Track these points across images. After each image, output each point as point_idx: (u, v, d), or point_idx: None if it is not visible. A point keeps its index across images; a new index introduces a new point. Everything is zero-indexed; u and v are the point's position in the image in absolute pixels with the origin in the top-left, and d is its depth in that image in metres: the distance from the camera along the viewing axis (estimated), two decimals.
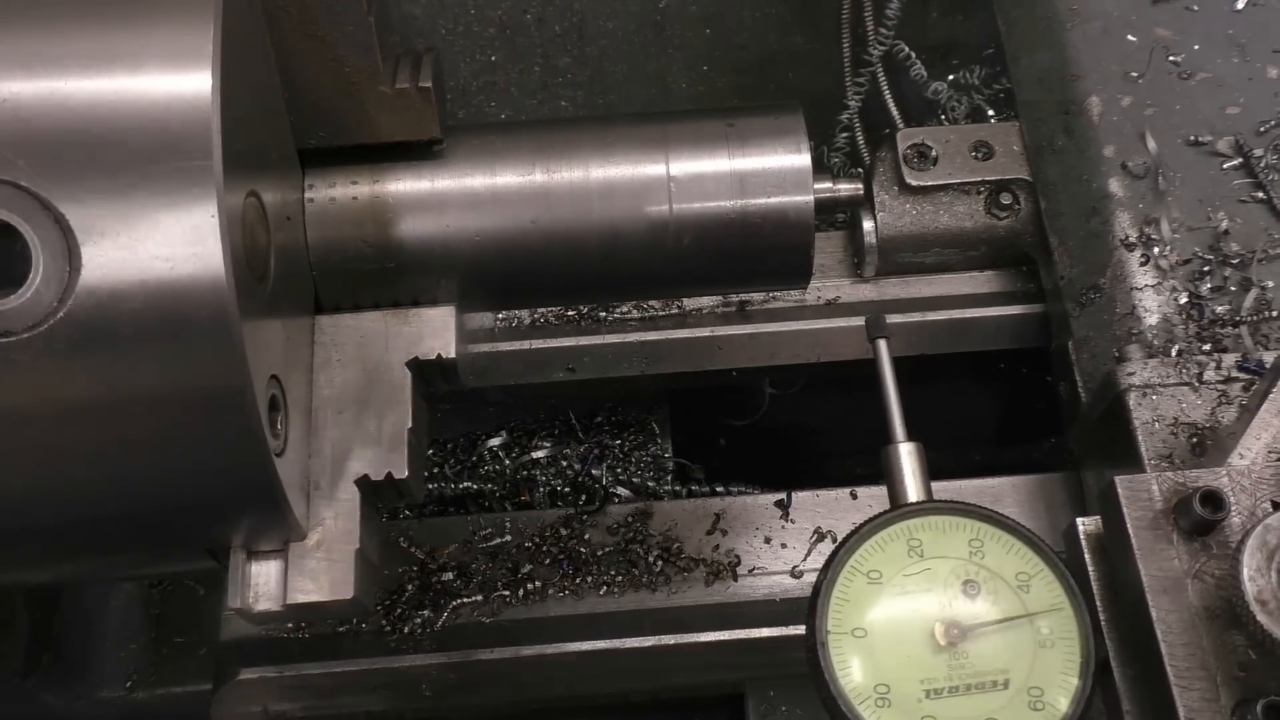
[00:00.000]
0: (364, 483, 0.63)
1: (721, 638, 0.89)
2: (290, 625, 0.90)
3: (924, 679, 0.59)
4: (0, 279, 0.50)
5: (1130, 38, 0.93)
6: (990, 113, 1.09)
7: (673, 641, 0.89)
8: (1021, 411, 1.10)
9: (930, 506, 0.64)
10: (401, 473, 0.63)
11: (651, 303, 1.02)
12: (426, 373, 0.68)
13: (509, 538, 0.95)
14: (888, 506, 0.65)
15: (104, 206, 0.49)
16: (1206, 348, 0.89)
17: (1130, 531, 0.63)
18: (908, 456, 0.66)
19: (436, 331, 0.67)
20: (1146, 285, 0.93)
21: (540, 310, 1.02)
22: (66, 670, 0.98)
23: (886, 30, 0.99)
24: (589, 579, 0.93)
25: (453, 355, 0.67)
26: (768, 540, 0.94)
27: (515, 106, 1.07)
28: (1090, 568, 0.67)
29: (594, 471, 1.04)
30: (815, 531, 0.94)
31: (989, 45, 1.08)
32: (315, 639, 0.91)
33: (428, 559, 0.93)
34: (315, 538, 0.62)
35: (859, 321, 0.93)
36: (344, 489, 0.63)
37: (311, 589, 0.61)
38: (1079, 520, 0.69)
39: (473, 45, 1.03)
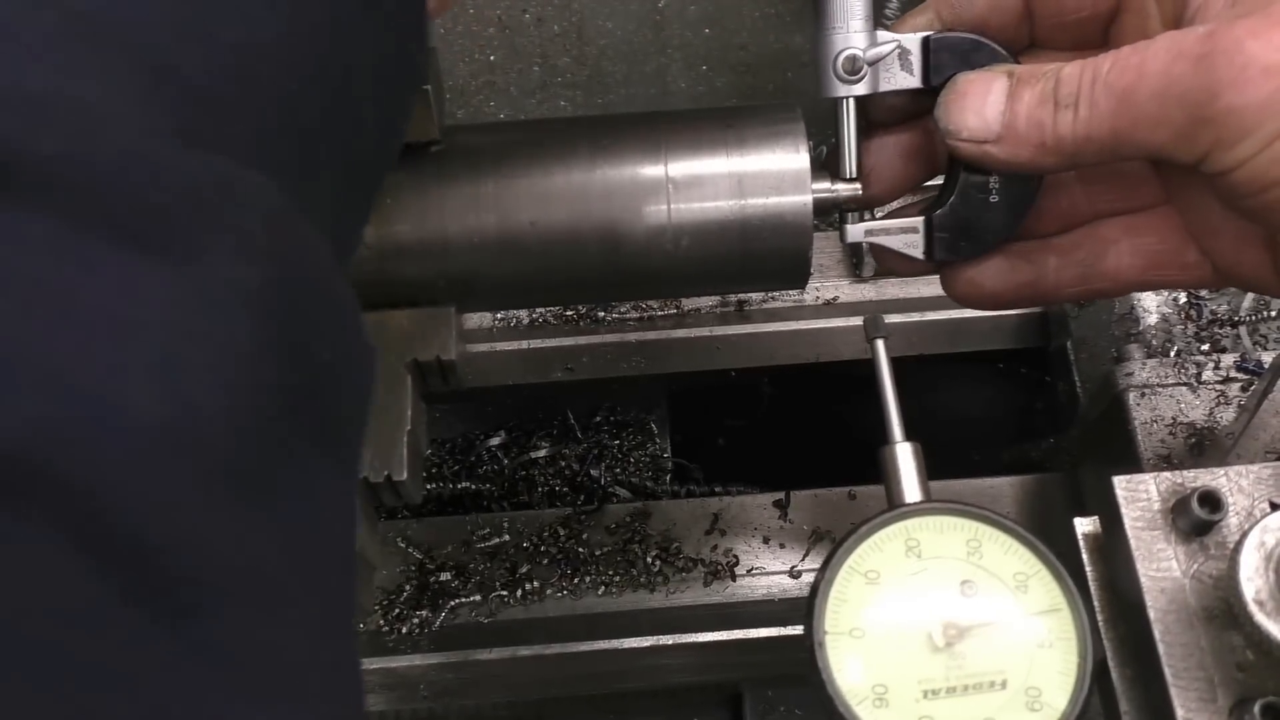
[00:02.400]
0: (362, 484, 0.63)
1: (720, 638, 0.89)
2: None
3: (922, 679, 0.59)
4: None
5: None
6: None
7: (671, 641, 0.89)
8: (1020, 411, 1.10)
9: (928, 507, 0.64)
10: (400, 474, 0.63)
11: (650, 302, 1.02)
12: (426, 374, 0.68)
13: (507, 538, 0.95)
14: (885, 506, 0.65)
15: None
16: (1205, 348, 0.90)
17: (1128, 532, 0.63)
18: (906, 456, 0.66)
19: (435, 332, 0.67)
20: None
21: (538, 310, 1.02)
22: None
23: (886, 28, 0.99)
24: (587, 579, 0.93)
25: (452, 356, 0.67)
26: (766, 540, 0.94)
27: (514, 106, 1.06)
28: (1088, 568, 0.67)
29: (592, 471, 1.04)
30: (813, 531, 0.94)
31: None
32: None
33: (426, 559, 0.93)
34: None
35: (858, 321, 0.94)
36: None
37: None
38: (1077, 520, 0.69)
39: (471, 45, 1.02)
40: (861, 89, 0.64)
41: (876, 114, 0.67)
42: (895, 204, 0.69)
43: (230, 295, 0.34)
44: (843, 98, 0.64)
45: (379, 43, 0.46)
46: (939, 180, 0.66)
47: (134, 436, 0.30)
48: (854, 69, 0.63)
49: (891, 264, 0.68)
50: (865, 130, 0.67)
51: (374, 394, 0.43)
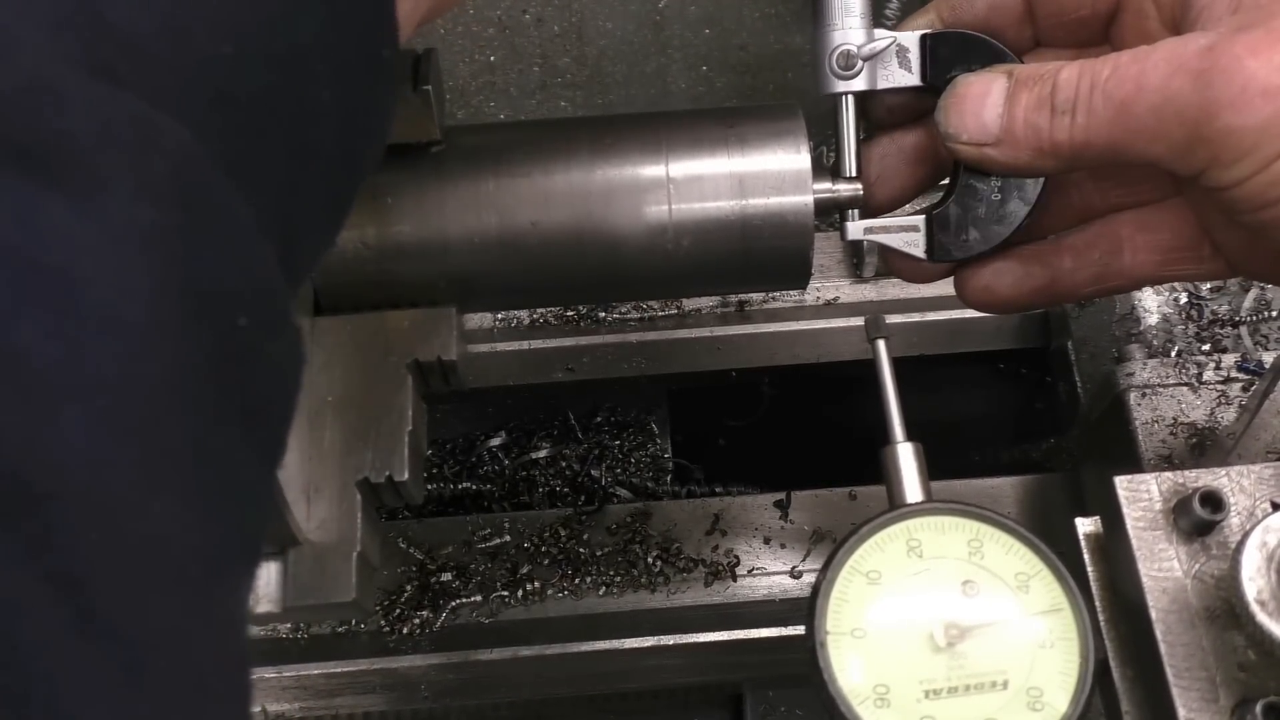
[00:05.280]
0: (364, 485, 0.63)
1: (721, 638, 0.89)
2: (289, 626, 0.90)
3: (923, 679, 0.59)
4: None
5: None
6: None
7: (672, 642, 0.89)
8: (1021, 411, 1.10)
9: (929, 507, 0.64)
10: (401, 475, 0.63)
11: (650, 303, 1.02)
12: (426, 374, 0.68)
13: (508, 538, 0.95)
14: (887, 507, 0.65)
15: None
16: (1206, 348, 0.90)
17: (1129, 532, 0.63)
18: (907, 457, 0.65)
19: (436, 333, 0.67)
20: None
21: (539, 310, 1.02)
22: None
23: (886, 28, 1.00)
24: (588, 579, 0.93)
25: (453, 357, 0.67)
26: (767, 540, 0.94)
27: (514, 107, 1.06)
28: (1089, 568, 0.67)
29: (593, 472, 1.04)
30: (814, 532, 0.94)
31: None
32: (314, 639, 0.91)
33: (427, 559, 0.93)
34: (315, 540, 0.62)
35: (858, 322, 0.93)
36: (344, 491, 0.63)
37: (312, 591, 0.61)
38: (1078, 520, 0.69)
39: (471, 45, 1.02)
40: (858, 84, 0.64)
41: (878, 114, 0.67)
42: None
43: (127, 234, 0.32)
44: (840, 94, 0.64)
45: (334, 27, 0.44)
46: (946, 182, 0.66)
47: (20, 374, 0.28)
48: (848, 64, 0.63)
49: (901, 270, 0.68)
50: (869, 135, 0.67)
51: (300, 381, 0.40)
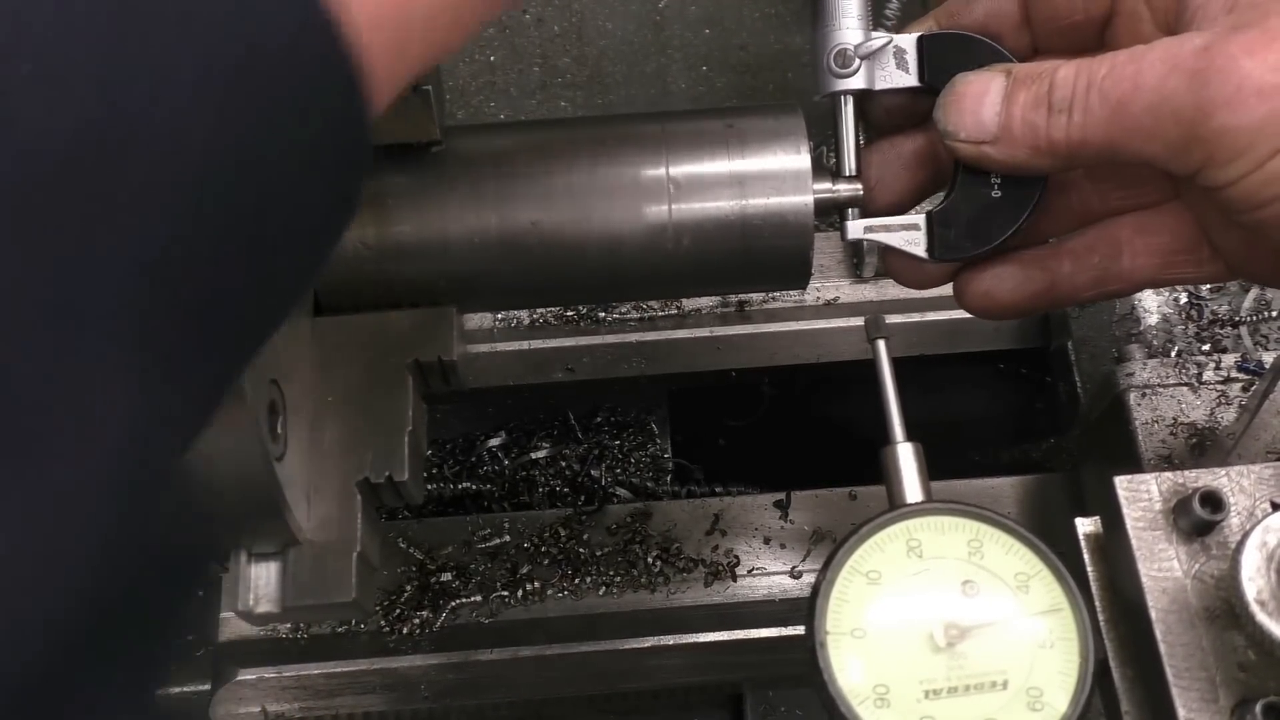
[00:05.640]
0: (364, 485, 0.63)
1: (720, 638, 0.89)
2: (289, 626, 0.90)
3: (923, 679, 0.59)
4: None
5: None
6: None
7: (672, 642, 0.89)
8: (1021, 411, 1.10)
9: (929, 507, 0.64)
10: (401, 475, 0.63)
11: (650, 303, 1.02)
12: (426, 374, 0.68)
13: (508, 538, 0.95)
14: (887, 507, 0.65)
15: None
16: (1206, 348, 0.90)
17: (1129, 532, 0.63)
18: (907, 457, 0.65)
19: (436, 333, 0.67)
20: None
21: (539, 310, 1.02)
22: None
23: (886, 30, 1.00)
24: (588, 579, 0.93)
25: (453, 357, 0.67)
26: (767, 540, 0.94)
27: (514, 107, 1.07)
28: (1089, 568, 0.67)
29: (593, 472, 1.04)
30: (814, 532, 0.94)
31: None
32: (314, 640, 0.91)
33: (426, 559, 0.93)
34: (315, 540, 0.62)
35: (858, 322, 0.93)
36: (344, 491, 0.63)
37: (312, 591, 0.61)
38: (1078, 521, 0.69)
39: (471, 45, 1.03)
40: (856, 83, 0.64)
41: (876, 117, 0.67)
42: None
43: (58, 505, 0.31)
44: (838, 93, 0.65)
45: (303, 170, 0.40)
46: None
47: None
48: (845, 63, 0.64)
49: (900, 274, 0.68)
50: (870, 138, 0.67)
51: (192, 595, 0.40)
